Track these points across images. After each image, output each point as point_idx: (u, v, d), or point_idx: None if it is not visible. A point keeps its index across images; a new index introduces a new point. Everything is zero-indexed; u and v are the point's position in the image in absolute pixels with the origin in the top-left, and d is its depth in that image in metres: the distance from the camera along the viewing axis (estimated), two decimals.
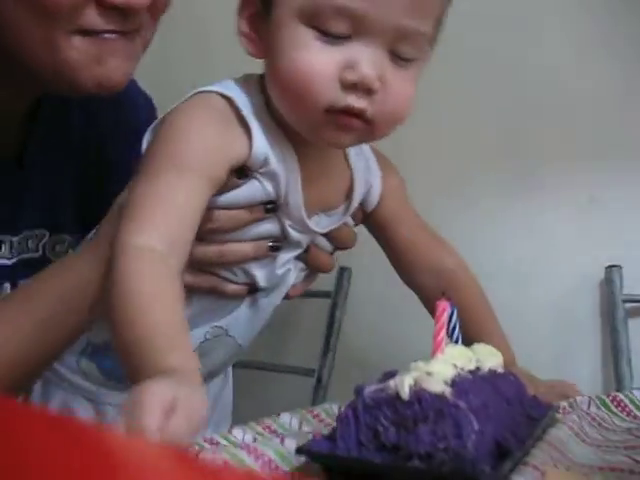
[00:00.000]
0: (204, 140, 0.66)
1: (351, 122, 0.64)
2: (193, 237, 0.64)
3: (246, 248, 0.71)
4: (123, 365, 0.57)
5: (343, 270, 1.20)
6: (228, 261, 0.71)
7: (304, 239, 0.75)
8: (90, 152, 0.88)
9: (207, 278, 0.72)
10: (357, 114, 0.63)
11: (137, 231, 0.60)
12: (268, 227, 0.72)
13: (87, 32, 0.68)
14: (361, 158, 0.77)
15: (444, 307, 0.62)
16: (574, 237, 1.10)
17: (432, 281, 0.81)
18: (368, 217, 0.80)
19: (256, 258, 0.72)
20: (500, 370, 0.70)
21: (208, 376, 0.80)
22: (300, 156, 0.70)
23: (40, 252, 0.82)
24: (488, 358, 0.70)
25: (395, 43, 0.63)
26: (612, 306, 1.06)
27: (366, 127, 0.65)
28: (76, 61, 0.68)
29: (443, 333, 0.61)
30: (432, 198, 1.03)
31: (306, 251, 0.76)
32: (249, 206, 0.69)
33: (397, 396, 0.55)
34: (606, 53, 1.06)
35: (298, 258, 0.77)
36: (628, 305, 1.06)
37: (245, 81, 0.71)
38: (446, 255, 0.82)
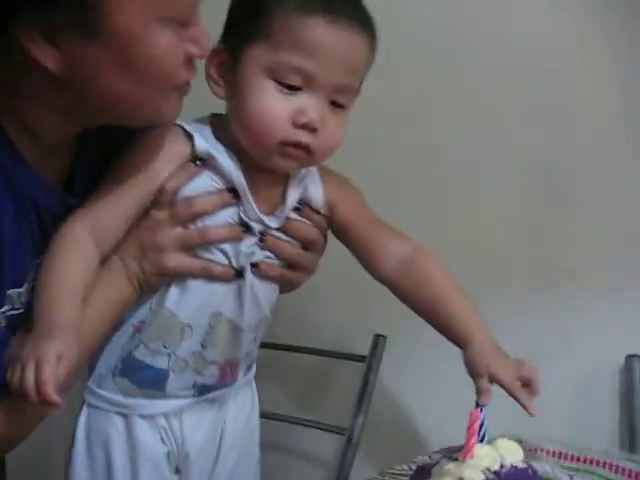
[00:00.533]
0: (148, 148, 0.85)
1: (298, 153, 0.83)
2: (125, 227, 0.85)
3: (221, 229, 0.87)
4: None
5: (378, 337, 1.28)
6: (209, 239, 0.86)
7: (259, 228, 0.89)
8: None
9: (197, 261, 0.87)
10: (303, 147, 0.82)
11: (76, 218, 0.83)
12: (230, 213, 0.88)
13: (179, 87, 0.80)
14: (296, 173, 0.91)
15: (477, 416, 0.70)
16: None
17: (395, 267, 0.92)
18: (331, 223, 0.95)
19: (230, 239, 0.87)
20: (520, 465, 0.78)
21: (228, 365, 0.92)
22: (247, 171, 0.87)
23: None
24: (510, 453, 0.78)
25: (333, 95, 0.83)
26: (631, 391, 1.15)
27: (307, 156, 0.84)
28: (170, 113, 0.82)
29: (474, 439, 0.69)
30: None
31: (262, 240, 0.89)
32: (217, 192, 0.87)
33: None
34: None
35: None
36: None
37: (199, 120, 0.89)
38: (402, 242, 0.93)
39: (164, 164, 0.85)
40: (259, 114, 0.82)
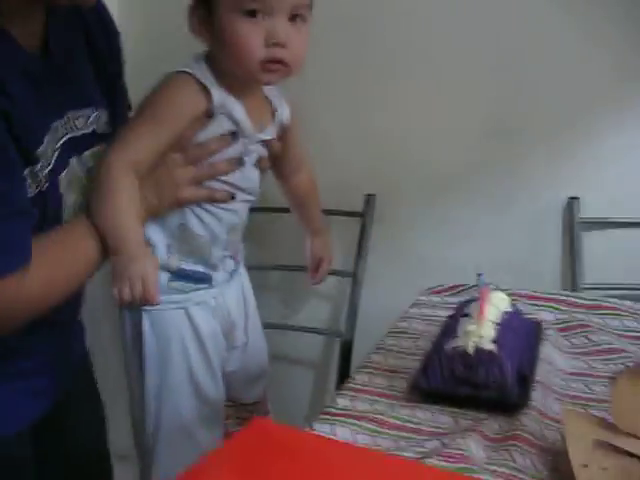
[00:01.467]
0: (175, 103, 1.06)
1: (277, 66, 1.03)
2: (155, 161, 1.06)
3: (224, 163, 1.10)
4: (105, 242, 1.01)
5: (369, 196, 1.57)
6: (217, 172, 1.11)
7: (257, 149, 1.15)
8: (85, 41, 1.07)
9: (204, 191, 1.10)
10: (279, 61, 1.03)
11: (126, 157, 1.03)
12: (235, 149, 1.11)
13: None
14: (274, 94, 1.17)
15: (486, 291, 1.03)
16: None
17: (295, 180, 1.28)
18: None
19: (231, 170, 1.12)
20: (508, 309, 1.12)
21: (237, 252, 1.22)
22: (240, 98, 1.10)
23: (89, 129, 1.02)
24: (501, 302, 1.12)
25: (292, 13, 1.01)
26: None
27: (285, 68, 1.04)
28: None
29: (485, 306, 1.03)
30: None
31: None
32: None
33: (465, 352, 0.97)
34: None
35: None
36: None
37: (196, 60, 1.09)
38: (304, 162, 1.28)
39: (184, 116, 1.05)
40: (238, 44, 1.02)
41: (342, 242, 1.54)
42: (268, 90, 1.16)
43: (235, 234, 1.20)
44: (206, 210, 1.13)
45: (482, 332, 1.00)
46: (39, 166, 0.90)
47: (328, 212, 1.56)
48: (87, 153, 1.02)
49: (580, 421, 0.85)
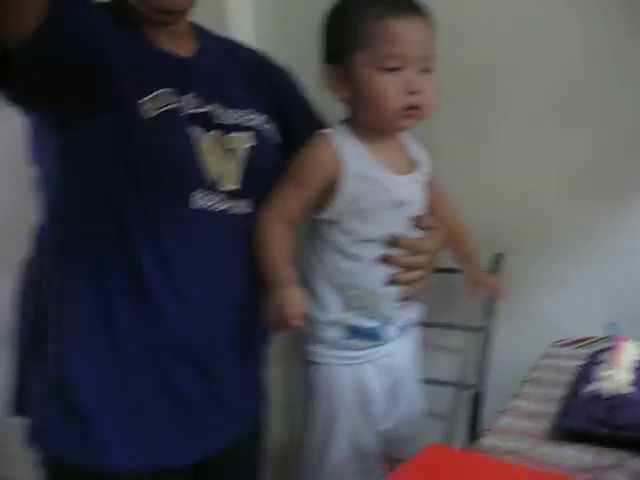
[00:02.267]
0: (312, 164, 1.22)
1: (414, 112, 1.20)
2: (305, 212, 1.25)
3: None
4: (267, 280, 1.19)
5: (498, 255, 1.66)
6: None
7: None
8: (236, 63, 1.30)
9: None
10: (415, 106, 1.19)
11: (277, 211, 1.22)
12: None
13: None
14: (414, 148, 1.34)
15: (621, 339, 1.11)
16: None
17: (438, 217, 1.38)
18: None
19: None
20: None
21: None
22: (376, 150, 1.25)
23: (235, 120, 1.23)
24: (635, 351, 1.19)
25: (421, 64, 1.18)
26: None
27: (419, 112, 1.20)
28: None
29: (621, 353, 1.10)
30: None
31: None
32: None
33: (604, 395, 1.05)
34: None
35: None
36: None
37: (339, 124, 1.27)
38: (445, 202, 1.42)
39: (320, 176, 1.21)
40: (381, 97, 1.19)
41: (472, 299, 1.64)
42: (408, 144, 1.31)
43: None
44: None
45: (619, 376, 1.07)
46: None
47: (457, 270, 1.67)
48: (231, 135, 1.20)
49: None
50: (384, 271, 1.27)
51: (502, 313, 1.66)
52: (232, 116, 1.21)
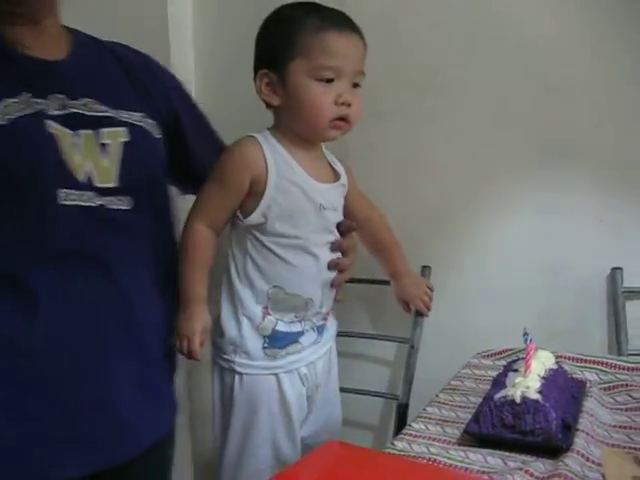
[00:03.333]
0: (238, 166, 1.26)
1: (342, 123, 1.25)
2: (229, 219, 1.28)
3: None
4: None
5: (424, 267, 1.69)
6: None
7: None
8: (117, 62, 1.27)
9: None
10: (344, 118, 1.24)
11: (198, 218, 1.25)
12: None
13: None
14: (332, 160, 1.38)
15: (531, 347, 1.13)
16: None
17: (369, 226, 1.47)
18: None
19: None
20: (553, 366, 1.21)
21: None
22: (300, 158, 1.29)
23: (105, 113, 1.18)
24: (547, 360, 1.21)
25: (354, 79, 1.24)
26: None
27: (347, 125, 1.25)
28: None
29: (531, 361, 1.12)
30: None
31: None
32: None
33: (513, 401, 1.06)
34: None
35: None
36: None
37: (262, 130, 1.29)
38: (373, 209, 1.48)
39: (245, 177, 1.24)
40: (313, 105, 1.22)
41: (399, 311, 1.65)
42: (328, 156, 1.35)
43: (328, 291, 1.32)
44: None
45: (529, 383, 1.09)
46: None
47: (384, 282, 1.69)
48: (104, 130, 1.16)
49: (620, 460, 0.93)
50: (313, 274, 1.28)
51: (429, 324, 1.67)
52: (105, 113, 1.18)
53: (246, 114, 1.40)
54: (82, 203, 1.11)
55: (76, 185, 1.10)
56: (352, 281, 1.49)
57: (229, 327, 1.30)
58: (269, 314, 1.28)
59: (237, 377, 1.30)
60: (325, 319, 1.36)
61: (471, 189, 1.64)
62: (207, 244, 1.25)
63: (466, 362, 1.47)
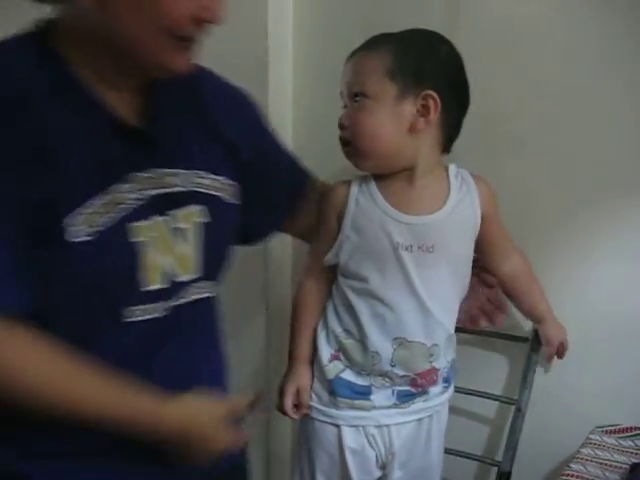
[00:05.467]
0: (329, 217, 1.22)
1: (346, 149, 1.20)
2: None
3: None
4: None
5: None
6: None
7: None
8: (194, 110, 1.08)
9: None
10: (345, 143, 1.19)
11: (305, 273, 1.25)
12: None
13: (180, 37, 0.92)
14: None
15: None
16: None
17: (509, 270, 1.29)
18: None
19: None
20: None
21: (419, 376, 1.20)
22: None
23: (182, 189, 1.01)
24: None
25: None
26: None
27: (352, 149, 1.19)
28: (174, 63, 0.94)
29: None
30: None
31: None
32: None
33: None
34: None
35: None
36: None
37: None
38: (514, 252, 1.29)
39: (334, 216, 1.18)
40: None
41: (507, 368, 1.49)
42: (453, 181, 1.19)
43: (408, 350, 1.17)
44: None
45: None
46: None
47: (493, 334, 1.54)
48: (177, 212, 1.00)
49: None
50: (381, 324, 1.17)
51: (539, 387, 1.51)
52: (184, 182, 1.02)
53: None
54: (148, 316, 0.97)
55: (150, 298, 0.97)
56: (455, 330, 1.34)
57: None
58: (338, 359, 1.20)
59: (302, 422, 1.26)
60: (415, 385, 1.20)
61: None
62: (314, 302, 1.23)
63: (585, 438, 1.30)
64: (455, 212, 1.16)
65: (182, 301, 1.02)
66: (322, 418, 1.21)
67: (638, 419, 1.34)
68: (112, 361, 0.92)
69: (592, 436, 1.31)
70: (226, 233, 1.10)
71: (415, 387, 1.19)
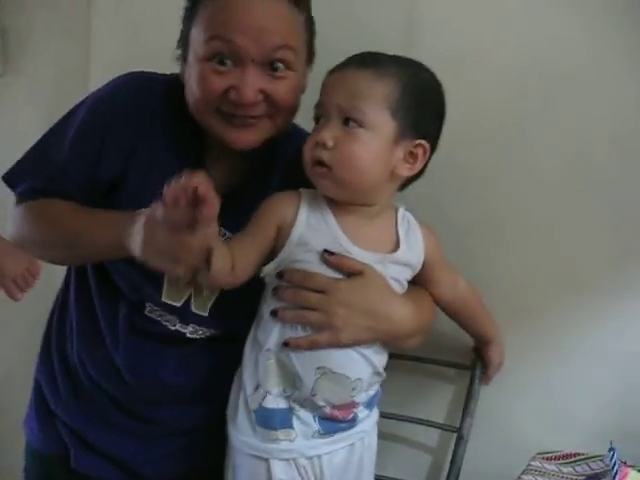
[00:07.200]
0: (265, 216, 1.14)
1: (321, 170, 1.11)
2: (257, 262, 1.15)
3: None
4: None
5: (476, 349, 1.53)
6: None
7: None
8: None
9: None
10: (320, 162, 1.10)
11: None
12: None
13: (221, 112, 1.10)
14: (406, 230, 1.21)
15: (626, 471, 0.97)
16: None
17: (452, 297, 1.28)
18: None
19: None
20: None
21: (336, 409, 1.15)
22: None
23: None
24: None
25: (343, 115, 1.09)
26: None
27: (326, 170, 1.10)
28: (224, 134, 1.12)
29: None
30: None
31: None
32: None
33: None
34: None
35: None
36: None
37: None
38: (459, 279, 1.28)
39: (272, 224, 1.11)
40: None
41: (449, 395, 1.49)
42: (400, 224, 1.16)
43: (331, 382, 1.12)
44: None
45: None
46: None
47: (435, 362, 1.53)
48: None
49: None
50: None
51: (480, 414, 1.51)
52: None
53: None
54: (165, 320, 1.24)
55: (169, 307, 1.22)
56: (396, 356, 1.33)
57: (233, 389, 1.20)
58: (261, 388, 1.13)
59: (233, 454, 1.17)
60: (333, 417, 1.15)
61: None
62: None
63: (527, 465, 1.29)
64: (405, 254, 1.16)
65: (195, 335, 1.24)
66: (249, 451, 1.14)
67: (579, 445, 1.34)
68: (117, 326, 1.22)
69: (533, 462, 1.30)
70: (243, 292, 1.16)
71: (333, 419, 1.16)
